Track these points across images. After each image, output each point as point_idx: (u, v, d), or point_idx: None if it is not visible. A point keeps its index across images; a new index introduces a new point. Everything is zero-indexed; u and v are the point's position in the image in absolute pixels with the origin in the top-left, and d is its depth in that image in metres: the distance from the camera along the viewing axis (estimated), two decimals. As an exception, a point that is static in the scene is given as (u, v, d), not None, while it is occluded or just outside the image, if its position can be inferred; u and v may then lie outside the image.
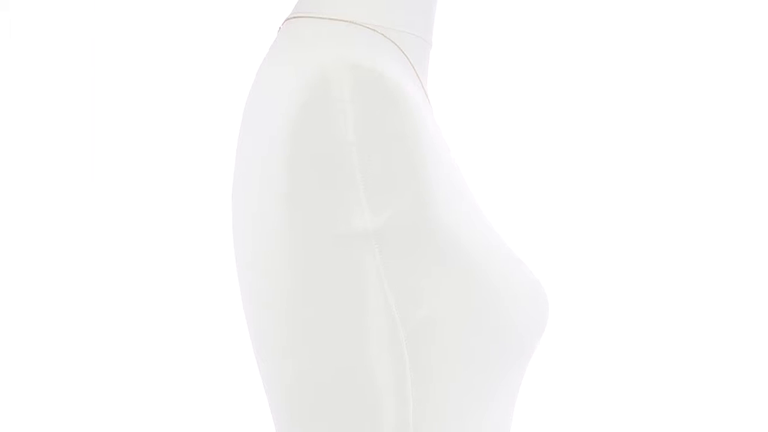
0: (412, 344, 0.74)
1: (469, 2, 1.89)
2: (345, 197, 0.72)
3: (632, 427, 1.86)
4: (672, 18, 1.89)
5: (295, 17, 0.82)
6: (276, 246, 0.74)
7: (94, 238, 1.96)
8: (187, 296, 1.93)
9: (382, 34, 0.81)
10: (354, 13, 0.81)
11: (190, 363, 1.93)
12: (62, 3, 1.94)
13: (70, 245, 1.94)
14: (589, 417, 1.87)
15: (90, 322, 1.95)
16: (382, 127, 0.73)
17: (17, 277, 1.91)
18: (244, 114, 0.81)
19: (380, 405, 0.74)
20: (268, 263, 0.75)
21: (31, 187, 1.93)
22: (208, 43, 1.96)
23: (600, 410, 1.87)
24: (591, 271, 1.88)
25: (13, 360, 1.90)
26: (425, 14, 0.86)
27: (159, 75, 1.97)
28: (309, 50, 0.76)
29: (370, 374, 0.73)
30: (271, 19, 1.90)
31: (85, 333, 1.94)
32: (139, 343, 1.95)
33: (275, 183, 0.74)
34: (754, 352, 1.85)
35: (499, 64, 1.90)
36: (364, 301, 0.73)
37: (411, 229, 0.74)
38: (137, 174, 1.97)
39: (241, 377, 1.75)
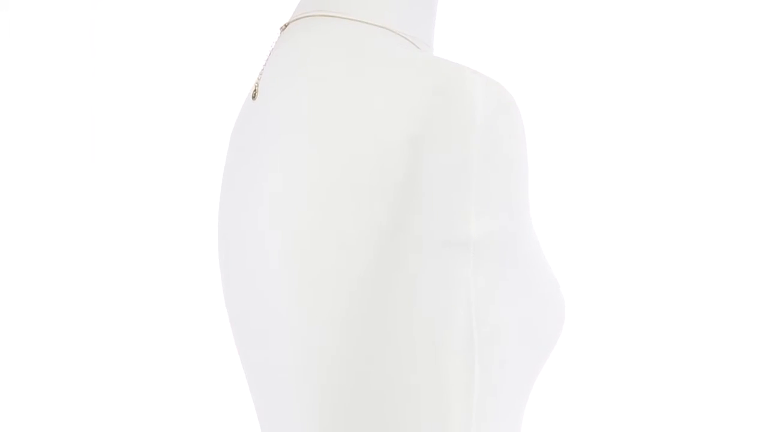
0: (481, 353, 0.74)
1: (462, 7, 1.89)
2: (458, 206, 0.72)
3: (632, 427, 1.86)
4: (673, 18, 1.90)
5: (321, 15, 0.81)
6: (357, 243, 0.72)
7: (93, 238, 1.96)
8: (186, 296, 1.93)
9: (413, 44, 0.83)
10: (386, 19, 0.82)
11: (190, 363, 1.94)
12: (62, 3, 1.94)
13: (69, 245, 1.95)
14: (588, 417, 1.87)
15: (90, 322, 1.95)
16: (501, 139, 0.73)
17: (17, 277, 1.92)
18: (286, 118, 0.79)
19: (449, 413, 0.74)
20: (340, 259, 0.73)
21: (30, 187, 1.93)
22: (208, 43, 1.96)
23: (599, 410, 1.87)
24: (588, 271, 1.88)
25: (13, 360, 1.90)
26: (430, 20, 0.87)
27: (159, 75, 1.97)
28: (402, 57, 0.76)
29: (444, 381, 0.74)
30: (271, 19, 1.90)
31: (84, 333, 1.94)
32: (138, 343, 1.95)
33: (381, 188, 0.72)
34: (754, 353, 1.85)
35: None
36: (451, 310, 0.73)
37: (502, 242, 0.74)
38: (137, 174, 1.97)
39: (239, 377, 1.75)
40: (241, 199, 0.82)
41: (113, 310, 1.96)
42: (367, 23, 0.81)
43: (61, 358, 1.92)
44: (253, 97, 0.83)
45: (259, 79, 0.83)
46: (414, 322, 0.73)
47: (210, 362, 1.90)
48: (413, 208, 0.72)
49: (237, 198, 0.82)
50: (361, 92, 0.74)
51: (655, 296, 1.88)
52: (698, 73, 1.89)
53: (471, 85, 0.72)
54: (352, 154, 0.73)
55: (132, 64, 1.97)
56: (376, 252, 0.72)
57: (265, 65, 0.83)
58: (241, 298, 0.83)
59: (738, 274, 1.87)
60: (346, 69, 0.76)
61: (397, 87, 0.73)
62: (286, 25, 0.84)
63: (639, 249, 1.89)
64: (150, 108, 1.97)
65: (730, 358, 1.86)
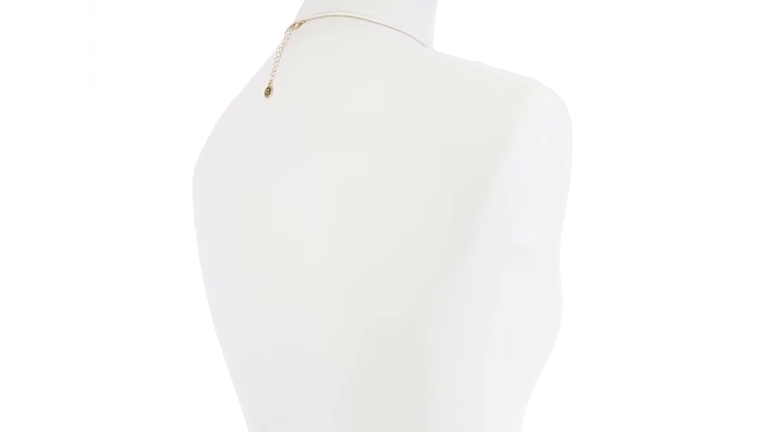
0: (511, 360, 0.76)
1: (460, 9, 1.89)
2: (514, 215, 0.73)
3: (632, 427, 1.86)
4: (673, 18, 1.90)
5: (338, 15, 0.81)
6: (416, 249, 0.71)
7: (93, 239, 1.96)
8: (186, 297, 1.93)
9: (423, 45, 0.83)
10: (395, 19, 0.82)
11: (189, 364, 1.94)
12: (62, 3, 1.94)
13: (69, 245, 1.95)
14: (588, 417, 1.87)
15: (90, 322, 1.95)
16: (560, 152, 0.75)
17: (17, 277, 1.92)
18: (318, 122, 0.77)
19: (483, 414, 0.75)
20: (399, 264, 0.72)
21: (30, 187, 1.93)
22: (208, 43, 1.96)
23: (599, 410, 1.87)
24: (588, 270, 1.88)
25: (13, 360, 1.91)
26: (432, 21, 0.88)
27: (159, 75, 1.97)
28: (458, 64, 0.76)
29: (482, 385, 0.74)
30: (272, 19, 1.90)
31: (85, 333, 1.95)
32: (138, 343, 1.95)
33: (445, 194, 0.71)
34: (754, 353, 1.86)
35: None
36: (493, 317, 0.74)
37: (538, 252, 0.75)
38: (136, 175, 1.97)
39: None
40: (259, 201, 0.78)
41: (113, 311, 1.96)
42: (383, 25, 0.81)
43: (61, 358, 1.93)
44: (267, 95, 0.81)
45: (273, 77, 0.82)
46: (465, 328, 0.73)
47: (209, 363, 1.91)
48: (475, 215, 0.71)
49: (253, 200, 0.79)
50: (421, 98, 0.74)
51: (655, 296, 1.89)
52: (696, 73, 1.89)
53: (547, 98, 0.73)
54: (417, 159, 0.72)
55: (132, 64, 1.97)
56: (434, 257, 0.71)
57: (277, 63, 0.82)
58: (253, 308, 0.79)
59: (738, 275, 1.87)
60: (397, 74, 0.76)
61: (460, 95, 0.73)
62: (299, 24, 0.83)
63: (638, 249, 1.90)
64: (150, 108, 1.97)
65: (730, 358, 1.86)
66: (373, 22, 0.81)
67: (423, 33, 0.85)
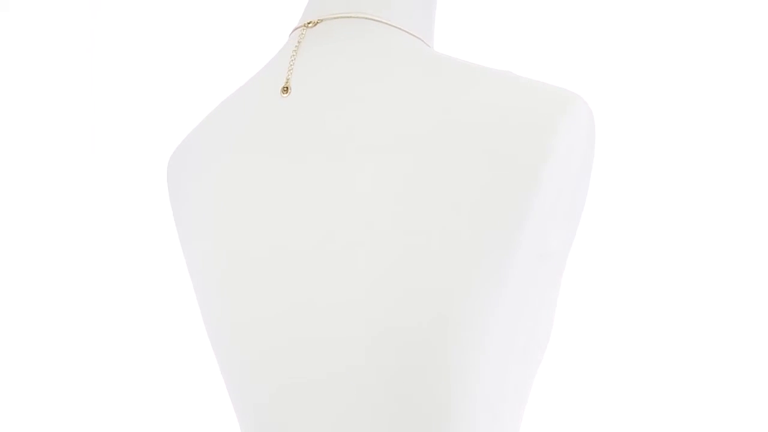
0: (526, 357, 0.78)
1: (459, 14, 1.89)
2: (552, 220, 0.75)
3: (632, 427, 1.86)
4: (675, 19, 1.90)
5: (361, 17, 0.81)
6: (463, 251, 0.72)
7: (93, 239, 1.96)
8: (186, 297, 1.93)
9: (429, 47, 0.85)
10: (404, 21, 0.83)
11: (190, 364, 1.94)
12: (62, 3, 1.94)
13: (69, 246, 1.95)
14: (587, 417, 1.87)
15: (89, 322, 1.95)
16: (588, 162, 0.77)
17: (17, 277, 1.92)
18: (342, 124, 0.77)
19: (501, 414, 0.76)
20: (444, 266, 0.72)
21: (30, 187, 1.93)
22: (208, 44, 1.96)
23: (598, 411, 1.87)
24: (587, 271, 1.88)
25: (13, 360, 1.91)
26: (433, 22, 0.88)
27: (159, 75, 1.97)
28: (493, 72, 0.77)
29: (504, 384, 0.76)
30: (272, 20, 1.90)
31: (84, 334, 1.95)
32: (138, 344, 1.95)
33: (493, 198, 0.72)
34: (755, 353, 1.86)
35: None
36: (525, 316, 0.76)
37: (560, 257, 0.78)
38: (136, 175, 1.97)
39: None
40: (285, 201, 0.77)
41: (113, 311, 1.96)
42: (397, 28, 0.82)
43: (61, 359, 1.93)
44: (284, 93, 0.80)
45: (290, 75, 0.81)
46: (500, 329, 0.74)
47: (209, 363, 1.90)
48: (522, 220, 0.72)
49: (278, 199, 0.77)
50: (457, 103, 0.74)
51: (655, 297, 1.89)
52: (693, 74, 1.89)
53: (585, 110, 0.75)
54: (463, 164, 0.72)
55: (132, 64, 1.97)
56: (482, 260, 0.72)
57: (293, 61, 0.81)
58: (272, 307, 0.77)
59: (738, 275, 1.87)
60: (427, 79, 0.76)
61: (501, 102, 0.74)
62: (314, 23, 0.82)
63: (637, 249, 1.90)
64: (149, 108, 1.97)
65: (730, 359, 1.86)
66: (387, 24, 0.81)
67: (428, 35, 0.86)
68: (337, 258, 0.74)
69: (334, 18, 0.81)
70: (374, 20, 0.81)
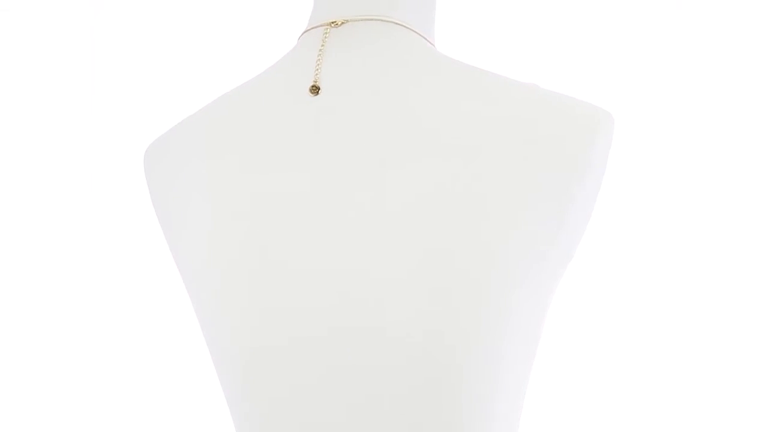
0: (530, 356, 0.79)
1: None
2: (580, 226, 0.77)
3: (632, 427, 1.86)
4: (676, 20, 1.90)
5: (369, 20, 0.81)
6: (503, 255, 0.72)
7: (92, 239, 1.96)
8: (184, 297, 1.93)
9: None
10: (425, 30, 0.84)
11: (190, 365, 1.94)
12: (62, 3, 1.94)
13: (68, 246, 1.94)
14: (587, 417, 1.87)
15: (89, 323, 1.95)
16: (604, 168, 0.80)
17: (17, 277, 1.92)
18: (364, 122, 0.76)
19: (517, 412, 0.77)
20: (487, 270, 0.72)
21: (30, 187, 1.93)
22: (208, 44, 1.96)
23: (598, 411, 1.87)
24: (587, 270, 1.88)
25: (13, 360, 1.90)
26: (434, 21, 0.89)
27: (159, 76, 1.97)
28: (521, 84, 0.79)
29: (523, 383, 0.77)
30: (272, 21, 1.90)
31: (84, 334, 1.94)
32: (138, 345, 1.95)
33: (532, 203, 0.73)
34: (755, 353, 1.86)
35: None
36: (546, 318, 0.78)
37: (573, 252, 0.80)
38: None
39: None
40: (315, 204, 0.75)
41: (113, 311, 1.96)
42: (415, 32, 0.82)
43: (62, 359, 1.92)
44: (314, 93, 0.79)
45: (318, 76, 0.80)
46: (529, 331, 0.75)
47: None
48: (560, 226, 0.74)
49: (307, 201, 0.75)
50: (489, 111, 0.75)
51: (655, 297, 1.89)
52: (691, 75, 1.89)
53: (612, 126, 0.78)
54: (502, 174, 0.73)
55: (132, 64, 1.97)
56: (520, 264, 0.73)
57: (320, 61, 0.80)
58: (306, 313, 0.74)
59: (738, 275, 1.87)
60: (458, 86, 0.77)
61: (533, 111, 0.75)
62: (338, 23, 0.81)
63: (636, 249, 1.90)
64: (149, 108, 1.97)
65: (730, 359, 1.86)
66: (407, 27, 0.82)
67: (432, 36, 0.86)
68: (379, 265, 0.72)
69: (360, 20, 0.81)
70: (395, 23, 0.81)
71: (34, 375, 1.91)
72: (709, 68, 1.89)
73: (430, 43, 0.83)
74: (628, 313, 1.89)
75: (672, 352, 1.87)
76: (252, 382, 0.76)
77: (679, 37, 1.90)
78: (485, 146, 0.73)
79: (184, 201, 0.82)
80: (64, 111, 1.95)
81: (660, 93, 1.90)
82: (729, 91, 1.89)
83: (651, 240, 1.89)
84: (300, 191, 0.75)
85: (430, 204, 0.72)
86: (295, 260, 0.74)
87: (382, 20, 0.80)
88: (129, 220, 1.97)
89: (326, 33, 0.81)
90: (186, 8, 1.97)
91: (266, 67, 0.87)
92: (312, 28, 0.83)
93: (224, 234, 0.77)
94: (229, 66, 1.91)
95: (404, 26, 0.81)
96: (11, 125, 1.92)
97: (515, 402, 0.76)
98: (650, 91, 1.90)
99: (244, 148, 0.79)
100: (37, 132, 1.93)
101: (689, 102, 1.90)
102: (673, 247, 1.89)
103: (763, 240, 1.87)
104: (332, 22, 0.81)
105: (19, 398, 1.89)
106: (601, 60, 1.91)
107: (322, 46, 0.80)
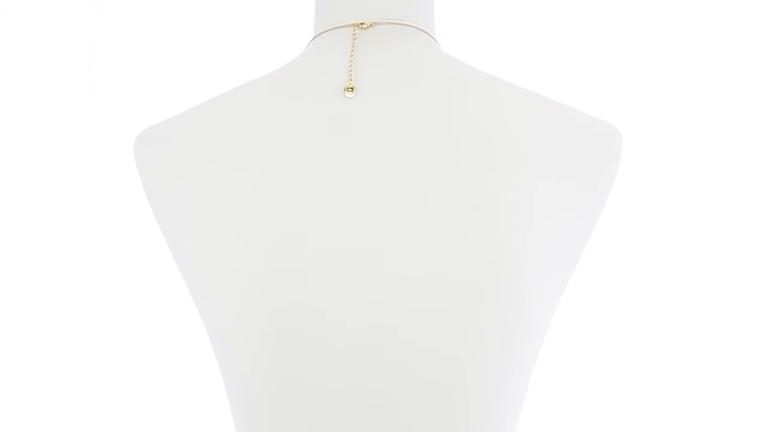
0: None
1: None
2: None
3: (632, 427, 1.86)
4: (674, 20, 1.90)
5: (393, 24, 0.82)
6: (538, 259, 0.75)
7: (92, 239, 1.96)
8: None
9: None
10: (433, 31, 0.86)
11: (190, 366, 1.94)
12: (62, 3, 1.94)
13: (68, 246, 1.95)
14: (587, 418, 1.87)
15: (89, 323, 1.95)
16: (614, 181, 0.85)
17: (17, 277, 1.92)
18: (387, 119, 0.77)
19: (521, 408, 0.79)
20: (527, 271, 0.74)
21: (30, 187, 1.93)
22: (209, 45, 1.96)
23: (598, 411, 1.87)
24: (586, 270, 1.88)
25: (13, 360, 1.90)
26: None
27: (159, 76, 1.97)
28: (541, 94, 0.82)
29: (532, 375, 0.80)
30: (272, 22, 1.90)
31: (84, 334, 1.95)
32: (138, 346, 1.95)
33: (562, 208, 0.76)
34: (755, 353, 1.85)
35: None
36: (551, 320, 0.80)
37: (578, 261, 0.84)
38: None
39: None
40: (348, 202, 0.74)
41: (113, 312, 1.96)
42: (427, 33, 0.83)
43: (62, 359, 1.93)
44: (348, 92, 0.78)
45: (352, 75, 0.79)
46: (538, 333, 0.77)
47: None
48: (589, 232, 0.78)
49: (340, 200, 0.74)
50: (519, 118, 0.77)
51: (654, 297, 1.89)
52: (689, 75, 1.89)
53: (613, 128, 0.83)
54: (533, 180, 0.75)
55: (132, 64, 1.97)
56: (536, 270, 0.75)
57: (352, 62, 0.79)
58: (341, 309, 0.73)
59: (738, 276, 1.87)
60: (487, 93, 0.79)
61: (558, 123, 0.79)
62: (367, 25, 0.81)
63: (635, 249, 1.90)
64: (149, 108, 1.97)
65: (730, 359, 1.86)
66: (426, 33, 0.83)
67: (437, 37, 0.88)
68: (398, 263, 0.73)
69: (386, 23, 0.81)
70: (413, 27, 0.81)
71: (34, 375, 1.91)
72: (706, 70, 1.89)
73: (437, 43, 0.85)
74: (626, 313, 1.89)
75: (670, 352, 1.87)
76: (277, 380, 0.75)
77: (675, 39, 1.90)
78: (516, 155, 0.75)
79: (196, 198, 0.80)
80: (64, 111, 1.95)
81: (654, 96, 1.90)
82: (726, 92, 1.89)
83: (647, 241, 1.89)
84: (337, 192, 0.75)
85: (463, 208, 0.73)
86: (332, 258, 0.73)
87: (402, 24, 0.81)
88: (129, 220, 1.97)
89: (354, 34, 0.81)
90: (186, 8, 1.97)
91: (260, 66, 0.87)
92: (334, 28, 0.82)
93: (257, 233, 0.75)
94: (228, 65, 1.91)
95: (421, 29, 0.82)
96: (11, 125, 1.92)
97: (519, 402, 0.78)
98: (644, 94, 1.90)
99: (277, 148, 0.77)
100: (37, 132, 1.93)
101: (686, 103, 1.89)
102: (671, 248, 1.89)
103: (759, 241, 1.87)
104: (359, 24, 0.81)
105: (19, 398, 1.89)
106: (590, 61, 1.91)
107: (353, 47, 0.80)
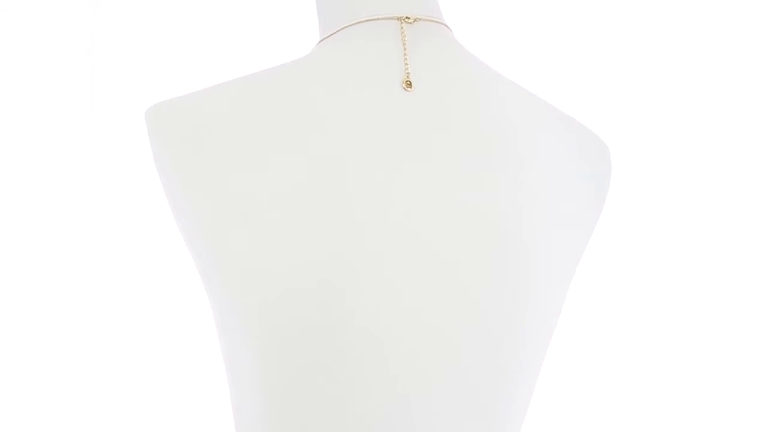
0: None
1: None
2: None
3: (632, 427, 1.86)
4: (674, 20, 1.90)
5: (432, 21, 0.83)
6: (571, 260, 0.80)
7: (92, 240, 1.96)
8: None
9: None
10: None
11: (191, 366, 1.94)
12: (62, 3, 1.94)
13: (69, 246, 1.95)
14: (587, 418, 1.87)
15: (90, 323, 1.95)
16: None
17: (17, 277, 1.92)
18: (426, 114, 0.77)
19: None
20: (565, 271, 0.79)
21: (30, 187, 1.93)
22: (210, 46, 1.96)
23: (597, 411, 1.87)
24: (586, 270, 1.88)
25: (13, 360, 1.90)
26: None
27: (160, 76, 1.97)
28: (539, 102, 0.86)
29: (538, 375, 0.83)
30: (271, 22, 1.90)
31: (84, 335, 1.95)
32: (139, 346, 1.95)
33: (583, 214, 0.81)
34: (755, 353, 1.85)
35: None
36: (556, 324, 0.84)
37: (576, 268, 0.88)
38: (136, 175, 1.97)
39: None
40: (408, 197, 0.73)
41: (113, 312, 1.96)
42: (451, 31, 0.85)
43: (62, 359, 1.93)
44: (407, 87, 0.77)
45: (408, 69, 0.78)
46: (549, 335, 0.80)
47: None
48: (587, 241, 0.82)
49: (401, 194, 0.73)
50: (543, 121, 0.81)
51: (654, 297, 1.89)
52: (686, 76, 1.89)
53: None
54: (567, 181, 0.79)
55: (132, 64, 1.97)
56: (569, 274, 0.80)
57: (406, 57, 0.79)
58: (400, 299, 0.72)
59: (738, 276, 1.87)
60: (515, 94, 0.82)
61: (569, 131, 0.83)
62: (412, 20, 0.81)
63: (633, 250, 1.90)
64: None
65: (730, 359, 1.86)
66: (448, 28, 0.84)
67: None
68: (462, 258, 0.73)
69: (427, 19, 0.82)
70: (446, 26, 0.82)
71: (35, 375, 1.91)
72: (706, 69, 1.89)
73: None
74: (625, 313, 1.89)
75: (668, 353, 1.87)
76: (326, 378, 0.71)
77: (675, 39, 1.90)
78: (548, 159, 0.78)
79: (233, 182, 0.73)
80: (64, 110, 1.95)
81: (654, 96, 1.90)
82: (726, 92, 1.89)
83: (647, 241, 1.89)
84: (402, 185, 0.74)
85: (506, 210, 0.75)
86: (389, 252, 0.72)
87: (437, 21, 0.82)
88: (128, 219, 1.97)
89: (402, 29, 0.80)
90: (185, 8, 1.97)
91: (260, 65, 0.85)
92: (376, 18, 0.81)
93: (311, 223, 0.71)
94: (227, 63, 1.91)
95: (448, 27, 0.83)
96: (11, 125, 1.92)
97: (527, 403, 0.81)
98: (643, 94, 1.90)
99: (335, 137, 0.74)
100: (37, 131, 1.93)
101: (686, 103, 1.89)
102: (670, 248, 1.89)
103: (759, 241, 1.87)
104: (405, 18, 0.80)
105: (19, 398, 1.89)
106: (589, 60, 1.91)
107: (404, 41, 0.79)
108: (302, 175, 0.71)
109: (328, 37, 0.83)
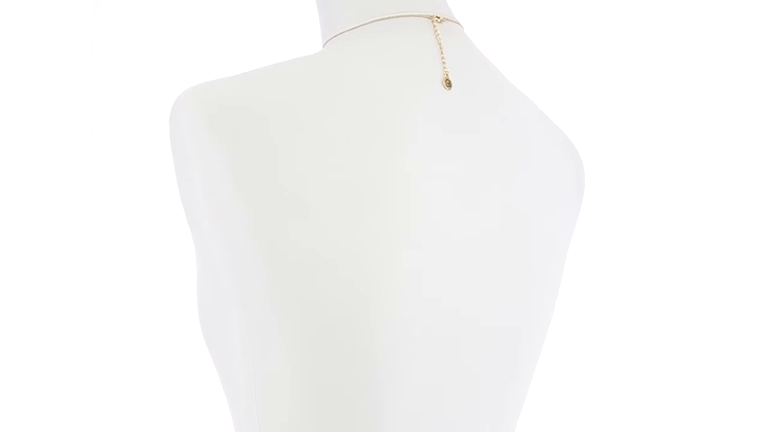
0: None
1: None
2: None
3: (632, 427, 1.86)
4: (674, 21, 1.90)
5: (453, 21, 0.83)
6: (548, 283, 0.81)
7: (92, 240, 1.96)
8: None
9: None
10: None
11: (190, 366, 1.94)
12: (62, 3, 1.94)
13: (68, 246, 1.95)
14: (586, 418, 1.87)
15: (90, 323, 1.95)
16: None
17: (17, 277, 1.92)
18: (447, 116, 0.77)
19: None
20: (540, 298, 0.80)
21: (30, 187, 1.93)
22: (209, 46, 1.96)
23: (597, 411, 1.87)
24: (586, 271, 1.88)
25: (13, 360, 1.90)
26: None
27: (160, 76, 1.97)
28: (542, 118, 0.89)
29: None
30: (271, 22, 1.89)
31: (85, 335, 1.95)
32: (138, 346, 1.95)
33: (562, 228, 0.83)
34: (755, 353, 1.85)
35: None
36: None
37: None
38: (136, 176, 1.97)
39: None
40: (454, 193, 0.74)
41: (113, 312, 1.96)
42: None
43: (62, 359, 1.93)
44: (448, 86, 0.76)
45: (446, 68, 0.78)
46: (550, 322, 0.85)
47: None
48: (572, 234, 0.86)
49: (449, 191, 0.73)
50: (540, 122, 0.85)
51: (654, 297, 1.88)
52: (685, 76, 1.89)
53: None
54: (566, 183, 0.84)
55: (132, 65, 1.97)
56: (562, 268, 0.86)
57: (443, 56, 0.78)
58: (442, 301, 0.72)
59: (738, 276, 1.87)
60: (520, 97, 0.86)
61: (553, 136, 0.86)
62: (441, 19, 0.80)
63: (631, 250, 1.89)
64: (149, 108, 1.97)
65: (730, 359, 1.86)
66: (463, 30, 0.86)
67: None
68: (512, 259, 0.76)
69: (451, 20, 0.82)
70: (459, 24, 0.83)
71: (35, 375, 1.91)
72: (706, 69, 1.89)
73: None
74: (625, 312, 1.89)
75: (666, 353, 1.87)
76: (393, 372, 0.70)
77: (674, 38, 1.90)
78: (548, 156, 0.81)
79: (290, 175, 0.70)
80: (64, 110, 1.95)
81: (654, 95, 1.90)
82: (726, 92, 1.89)
83: (647, 241, 1.89)
84: (453, 186, 0.74)
85: (538, 213, 0.79)
86: (446, 258, 0.73)
87: (458, 23, 0.83)
88: (128, 219, 1.97)
89: (435, 27, 0.79)
90: (185, 7, 1.97)
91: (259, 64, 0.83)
92: (406, 15, 0.79)
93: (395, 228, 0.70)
94: (227, 64, 1.91)
95: (462, 28, 0.83)
96: (11, 124, 1.92)
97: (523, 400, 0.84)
98: (643, 94, 1.90)
99: (388, 131, 0.72)
100: (37, 131, 1.93)
101: (686, 103, 1.90)
102: (670, 248, 1.89)
103: (759, 241, 1.87)
104: (436, 17, 0.80)
105: (20, 398, 1.89)
106: (589, 60, 1.91)
107: (438, 39, 0.79)
108: (357, 172, 0.70)
109: (349, 30, 0.79)
